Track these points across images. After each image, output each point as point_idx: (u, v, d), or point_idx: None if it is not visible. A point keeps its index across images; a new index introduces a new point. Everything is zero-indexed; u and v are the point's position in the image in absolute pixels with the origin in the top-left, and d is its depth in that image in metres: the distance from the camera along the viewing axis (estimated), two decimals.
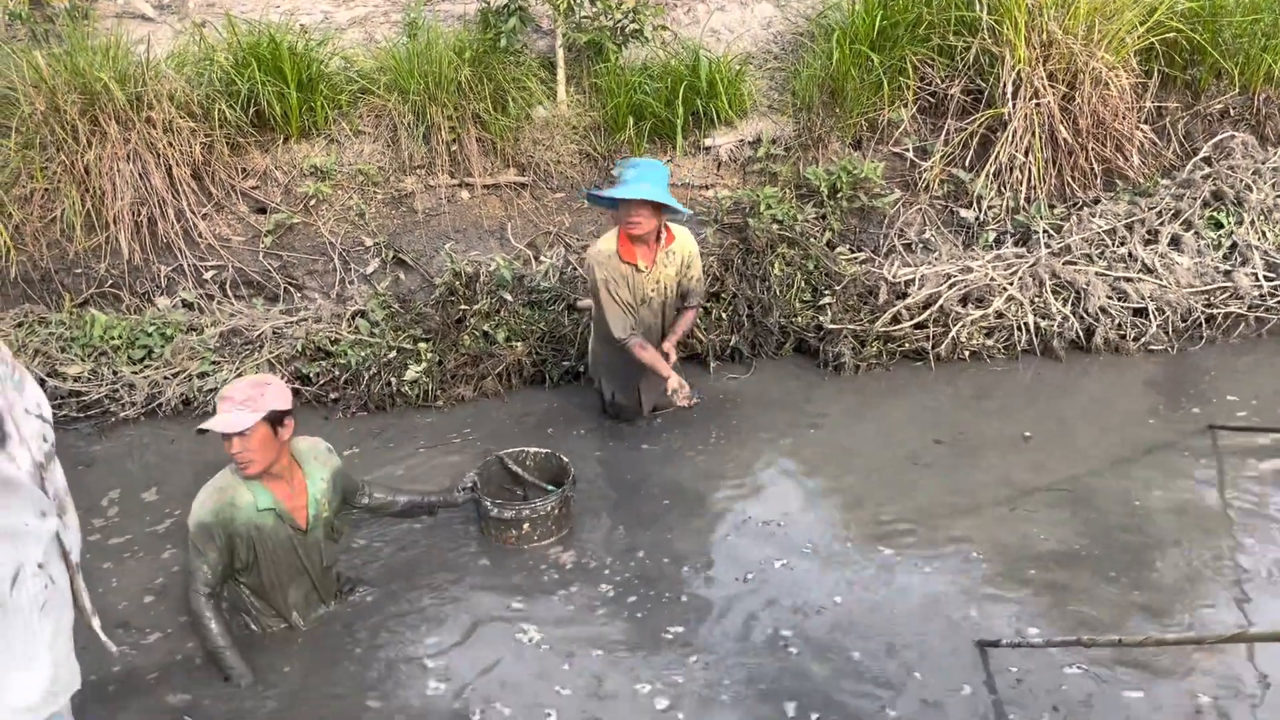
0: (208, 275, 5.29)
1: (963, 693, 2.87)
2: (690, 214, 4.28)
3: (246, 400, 2.87)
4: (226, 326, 5.04)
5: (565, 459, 3.88)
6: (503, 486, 3.96)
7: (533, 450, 3.99)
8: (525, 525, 3.65)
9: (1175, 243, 5.30)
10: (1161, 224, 5.34)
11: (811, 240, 5.21)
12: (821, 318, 5.04)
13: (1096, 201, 5.55)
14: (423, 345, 4.88)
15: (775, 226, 5.20)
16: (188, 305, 5.25)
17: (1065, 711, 2.76)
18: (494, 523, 3.67)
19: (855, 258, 5.34)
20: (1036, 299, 5.06)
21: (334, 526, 3.25)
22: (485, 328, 4.98)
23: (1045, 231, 5.34)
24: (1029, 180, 5.48)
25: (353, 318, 5.13)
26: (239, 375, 4.63)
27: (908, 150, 5.67)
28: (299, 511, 3.12)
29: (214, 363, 4.87)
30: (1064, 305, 5.06)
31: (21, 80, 5.01)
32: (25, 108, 5.00)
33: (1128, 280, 5.14)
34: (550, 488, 3.86)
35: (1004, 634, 3.07)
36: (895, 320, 5.00)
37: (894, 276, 5.11)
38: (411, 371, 4.78)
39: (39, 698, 1.58)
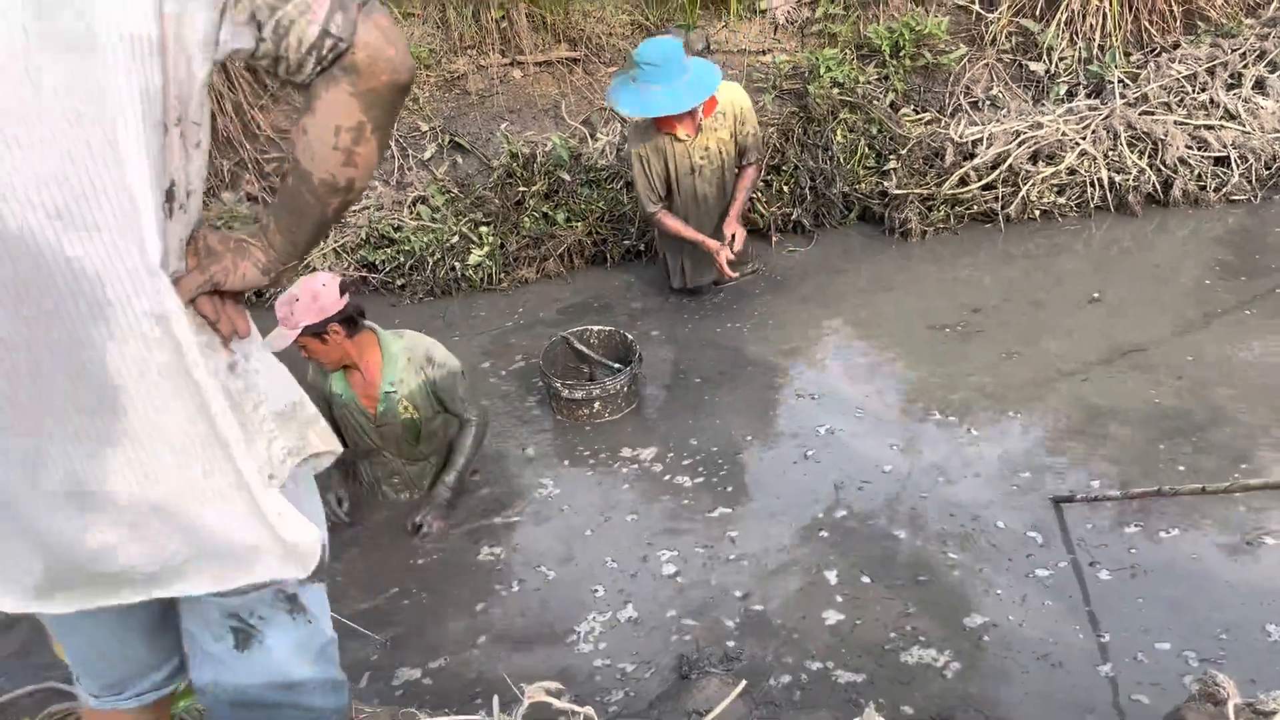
0: (269, 168, 5.34)
1: (1036, 548, 2.88)
2: (722, 75, 4.10)
3: (283, 318, 2.93)
4: None
5: (630, 336, 3.91)
6: (568, 365, 4.01)
7: (596, 328, 4.02)
8: (596, 404, 3.71)
9: (1260, 85, 5.02)
10: (1245, 66, 5.05)
11: (874, 103, 5.05)
12: (886, 183, 4.93)
13: (1176, 46, 5.26)
14: (484, 229, 4.90)
15: (836, 91, 5.05)
16: (251, 198, 5.31)
17: (1145, 567, 2.77)
18: (565, 403, 3.73)
19: (920, 119, 5.18)
20: (1111, 153, 4.87)
21: (417, 427, 3.29)
22: (544, 209, 4.96)
23: (1120, 81, 5.10)
24: (1103, 28, 5.21)
25: (413, 204, 5.15)
26: (305, 267, 4.71)
27: (973, 2, 5.42)
28: (369, 401, 3.22)
29: None
30: (1140, 158, 4.86)
31: None
32: None
33: (1208, 128, 4.90)
34: (615, 365, 3.91)
35: (1077, 490, 3.06)
36: (963, 182, 4.86)
37: (960, 137, 4.95)
38: (474, 256, 4.81)
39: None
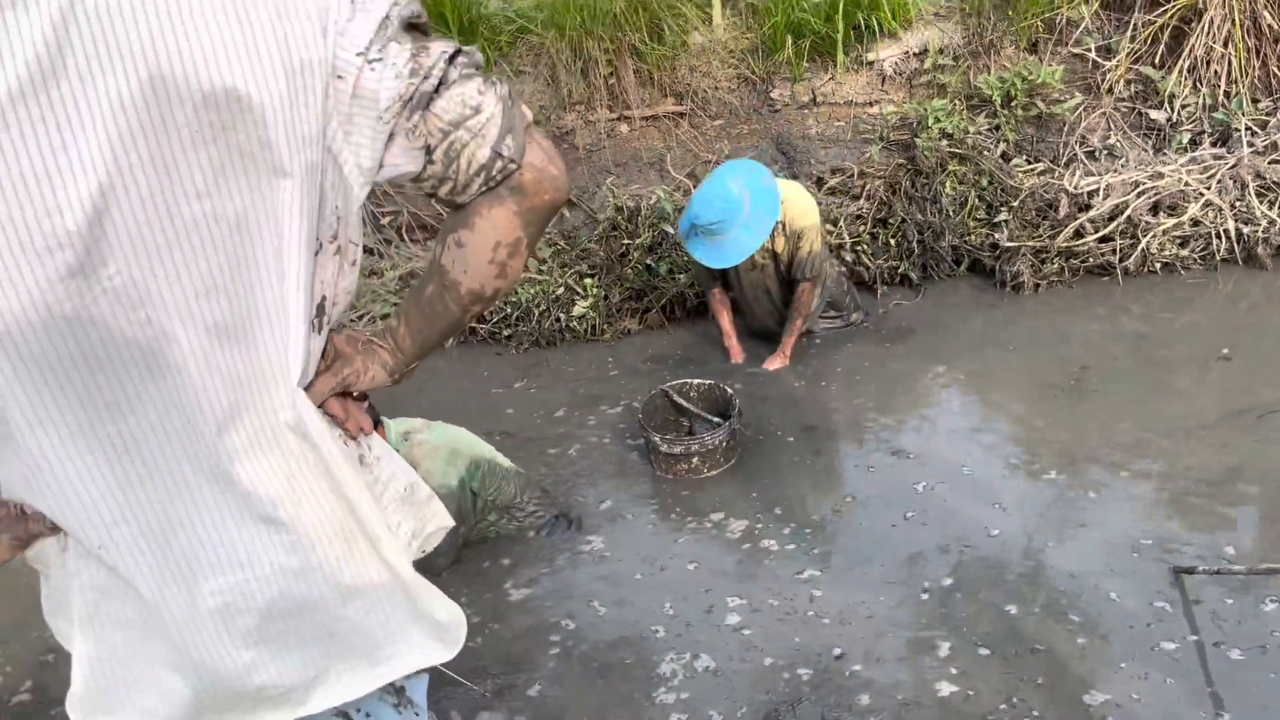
0: (384, 220, 5.52)
1: (1156, 622, 2.73)
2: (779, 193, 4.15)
3: None
4: (405, 269, 5.26)
5: (729, 390, 3.88)
6: (667, 419, 4.00)
7: (696, 382, 4.00)
8: (694, 459, 3.69)
9: None
10: None
11: (984, 154, 4.95)
12: (997, 235, 4.81)
13: None
14: (588, 281, 4.96)
15: (945, 143, 4.97)
16: (368, 250, 5.50)
17: (1276, 646, 2.59)
18: (664, 458, 3.72)
19: (1033, 169, 5.05)
20: (1238, 203, 4.67)
21: None
22: (648, 261, 5.00)
23: (1248, 129, 4.89)
24: (1229, 74, 5.01)
25: None
26: None
27: (1089, 50, 5.29)
28: None
29: (394, 304, 5.11)
30: (1270, 208, 4.64)
31: None
32: None
33: None
34: (714, 419, 3.88)
35: (1200, 562, 2.90)
36: (1078, 234, 4.72)
37: (1076, 187, 4.81)
38: (579, 307, 4.87)
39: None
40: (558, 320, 4.92)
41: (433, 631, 1.34)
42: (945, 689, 2.60)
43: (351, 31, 1.03)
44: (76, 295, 0.96)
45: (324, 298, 1.16)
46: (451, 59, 1.10)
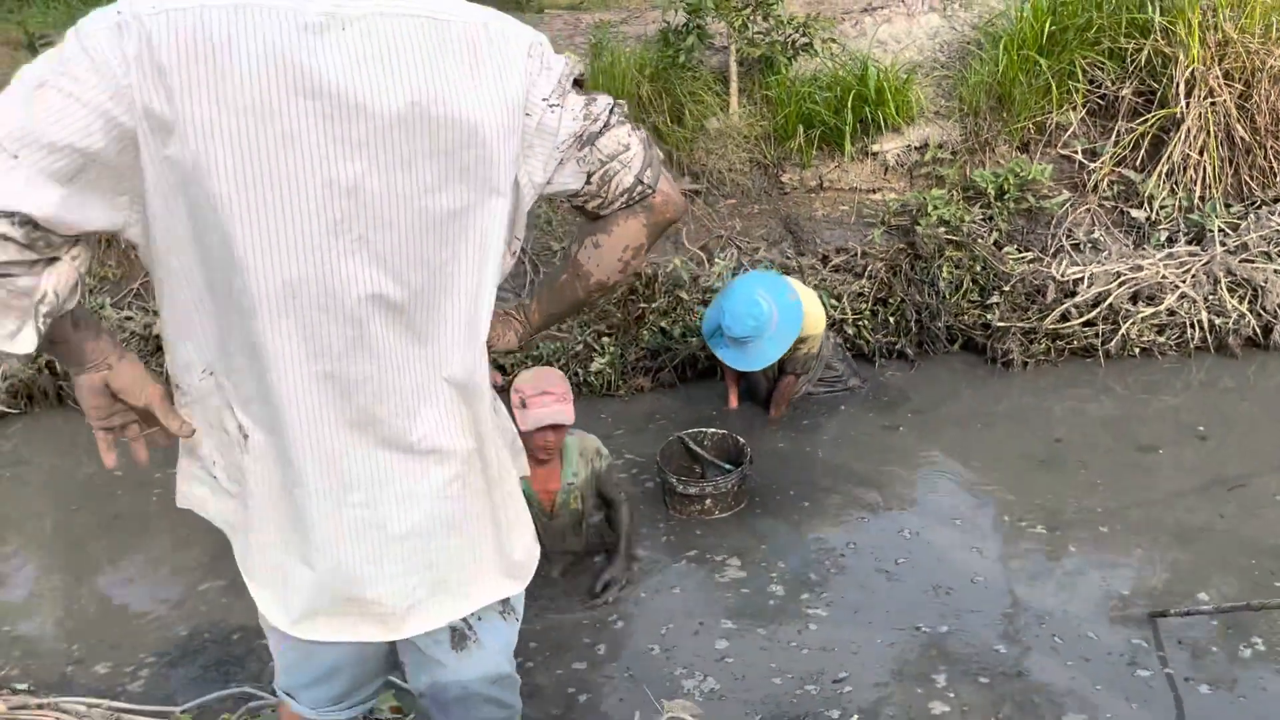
0: None
1: (1132, 661, 3.00)
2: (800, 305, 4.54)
3: (565, 394, 3.18)
4: None
5: (742, 440, 4.18)
6: (682, 464, 4.29)
7: (710, 431, 4.31)
8: (707, 500, 3.96)
9: None
10: None
11: (979, 241, 5.35)
12: (989, 315, 5.18)
13: (1277, 200, 5.47)
14: (606, 339, 5.28)
15: (942, 230, 5.37)
16: None
17: (1241, 681, 2.86)
18: (679, 498, 4.00)
19: (1023, 257, 5.44)
20: (1210, 296, 5.06)
21: (580, 518, 3.55)
22: (663, 324, 5.33)
23: (1220, 230, 5.32)
24: (1203, 180, 5.46)
25: None
26: None
27: (1076, 152, 5.74)
28: (547, 495, 3.47)
29: None
30: (1240, 303, 5.04)
31: None
32: None
33: None
34: (727, 466, 4.17)
35: (1173, 606, 3.18)
36: (1064, 318, 5.09)
37: (1062, 275, 5.20)
38: (596, 363, 5.18)
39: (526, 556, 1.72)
40: (576, 375, 5.22)
41: (508, 569, 1.63)
42: (938, 708, 2.86)
43: (539, 84, 1.40)
44: (329, 246, 1.29)
45: (496, 283, 1.49)
46: (612, 109, 1.47)
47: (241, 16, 1.18)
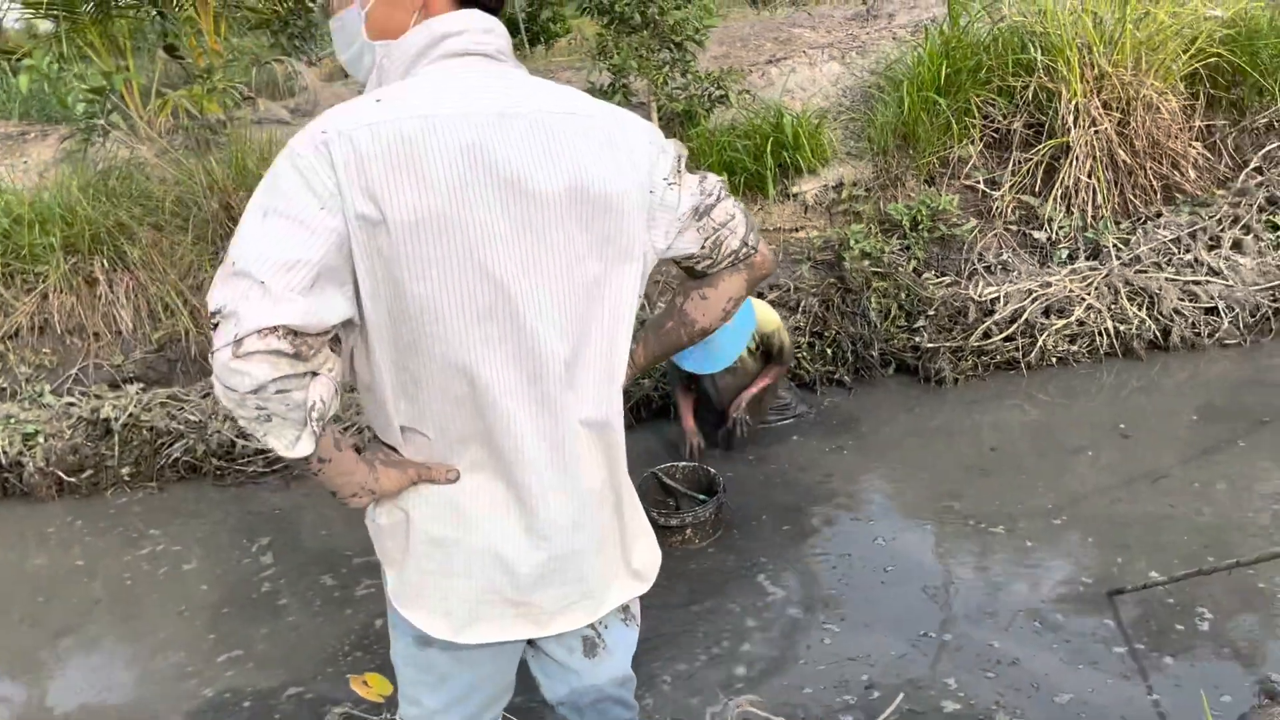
0: None
1: (1102, 636, 3.32)
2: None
3: None
4: None
5: (713, 470, 4.41)
6: (657, 499, 4.50)
7: (681, 464, 4.53)
8: (688, 530, 4.17)
9: (1237, 246, 5.76)
10: (1222, 230, 5.81)
11: (900, 269, 5.74)
12: (917, 339, 5.56)
13: (1159, 215, 6.02)
14: None
15: (866, 262, 5.74)
16: None
17: (1201, 647, 3.21)
18: (661, 531, 4.19)
19: (940, 281, 5.86)
20: (1113, 306, 5.54)
21: None
22: None
23: (1115, 245, 5.83)
24: (1094, 200, 5.98)
25: None
26: None
27: (978, 182, 6.21)
28: None
29: None
30: (1140, 309, 5.53)
31: (197, 184, 5.75)
32: (202, 208, 5.73)
33: (1196, 283, 5.60)
34: (701, 496, 4.40)
35: (1128, 583, 3.52)
36: (986, 335, 5.50)
37: (980, 296, 5.62)
38: None
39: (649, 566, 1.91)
40: None
41: (633, 574, 1.85)
42: (949, 706, 3.13)
43: (659, 165, 1.64)
44: (502, 303, 1.51)
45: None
46: (721, 186, 1.74)
47: (432, 121, 1.42)
